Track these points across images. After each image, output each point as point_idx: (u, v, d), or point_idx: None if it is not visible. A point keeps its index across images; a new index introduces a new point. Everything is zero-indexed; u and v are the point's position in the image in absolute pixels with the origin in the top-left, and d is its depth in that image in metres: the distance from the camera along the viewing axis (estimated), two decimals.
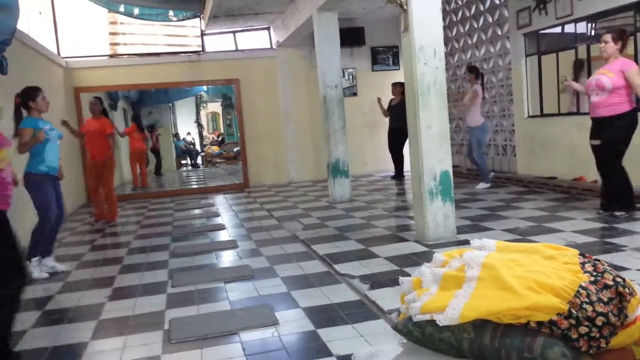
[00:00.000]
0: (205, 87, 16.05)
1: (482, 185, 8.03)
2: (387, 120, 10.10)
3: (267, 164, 10.99)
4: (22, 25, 5.98)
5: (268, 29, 11.12)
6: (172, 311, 3.73)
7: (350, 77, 11.27)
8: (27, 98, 4.99)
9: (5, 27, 5.15)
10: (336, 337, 3.04)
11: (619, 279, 1.95)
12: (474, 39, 9.49)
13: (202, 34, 10.86)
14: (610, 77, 5.05)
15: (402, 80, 5.43)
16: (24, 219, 5.79)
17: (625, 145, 5.18)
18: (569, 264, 2.05)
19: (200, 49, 10.85)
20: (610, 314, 1.85)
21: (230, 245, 5.72)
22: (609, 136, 5.16)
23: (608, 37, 5.15)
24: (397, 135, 9.62)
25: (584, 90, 5.57)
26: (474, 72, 8.06)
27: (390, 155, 10.12)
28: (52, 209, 4.98)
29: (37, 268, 4.87)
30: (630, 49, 6.28)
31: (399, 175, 10.00)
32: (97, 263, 5.39)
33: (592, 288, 1.91)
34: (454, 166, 5.47)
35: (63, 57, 9.80)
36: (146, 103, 16.05)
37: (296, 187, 10.27)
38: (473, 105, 7.90)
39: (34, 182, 4.96)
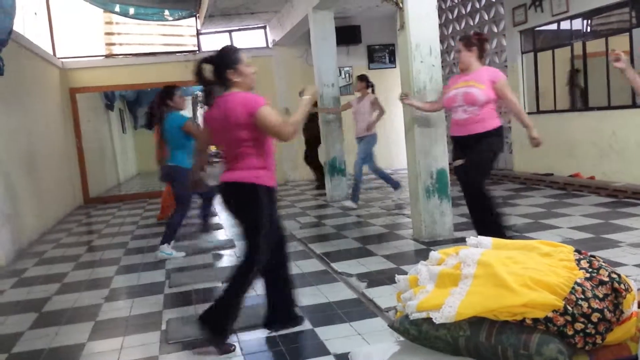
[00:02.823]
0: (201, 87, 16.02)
1: (348, 204, 7.14)
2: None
3: None
4: (17, 26, 5.97)
5: (264, 28, 11.11)
6: (170, 311, 3.72)
7: (347, 75, 11.26)
8: (166, 97, 5.27)
9: (2, 27, 5.14)
10: (333, 336, 3.05)
11: (614, 275, 1.95)
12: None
13: (198, 33, 10.83)
14: (482, 89, 4.28)
15: (398, 78, 5.39)
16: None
17: (493, 165, 4.49)
18: (565, 260, 2.05)
19: (196, 48, 10.83)
20: (605, 310, 1.85)
21: (228, 244, 5.71)
22: (478, 155, 4.34)
23: (460, 44, 4.50)
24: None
25: (426, 108, 4.79)
26: (365, 80, 7.27)
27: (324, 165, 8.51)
28: (191, 202, 5.40)
29: (173, 249, 5.35)
30: (623, 46, 6.29)
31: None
32: (94, 264, 5.38)
33: (588, 284, 1.91)
34: (450, 164, 5.46)
35: (59, 58, 9.77)
36: (142, 103, 16.00)
37: (293, 186, 10.26)
38: (363, 114, 7.09)
39: (182, 175, 5.09)
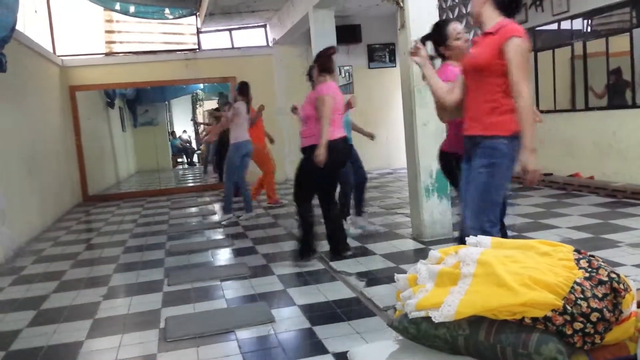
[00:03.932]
0: (201, 85, 16.02)
1: (224, 217, 6.96)
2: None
3: None
4: (17, 23, 5.95)
5: (264, 26, 11.10)
6: (168, 309, 3.72)
7: (347, 74, 11.25)
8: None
9: (5, 24, 5.13)
10: (332, 335, 3.04)
11: (613, 275, 1.94)
12: (471, 36, 9.49)
13: (198, 32, 10.82)
14: (305, 106, 4.58)
15: (398, 78, 5.39)
16: None
17: (317, 181, 4.63)
18: (564, 260, 2.04)
19: (196, 46, 10.82)
20: (604, 309, 1.85)
21: (227, 243, 5.71)
22: (302, 167, 4.63)
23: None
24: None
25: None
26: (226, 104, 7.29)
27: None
28: (346, 177, 5.46)
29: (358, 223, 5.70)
30: (624, 46, 6.29)
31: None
32: (93, 262, 5.38)
33: (587, 284, 1.91)
34: None
35: (59, 56, 9.76)
36: (142, 101, 16.00)
37: (292, 185, 10.23)
38: (234, 123, 6.96)
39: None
